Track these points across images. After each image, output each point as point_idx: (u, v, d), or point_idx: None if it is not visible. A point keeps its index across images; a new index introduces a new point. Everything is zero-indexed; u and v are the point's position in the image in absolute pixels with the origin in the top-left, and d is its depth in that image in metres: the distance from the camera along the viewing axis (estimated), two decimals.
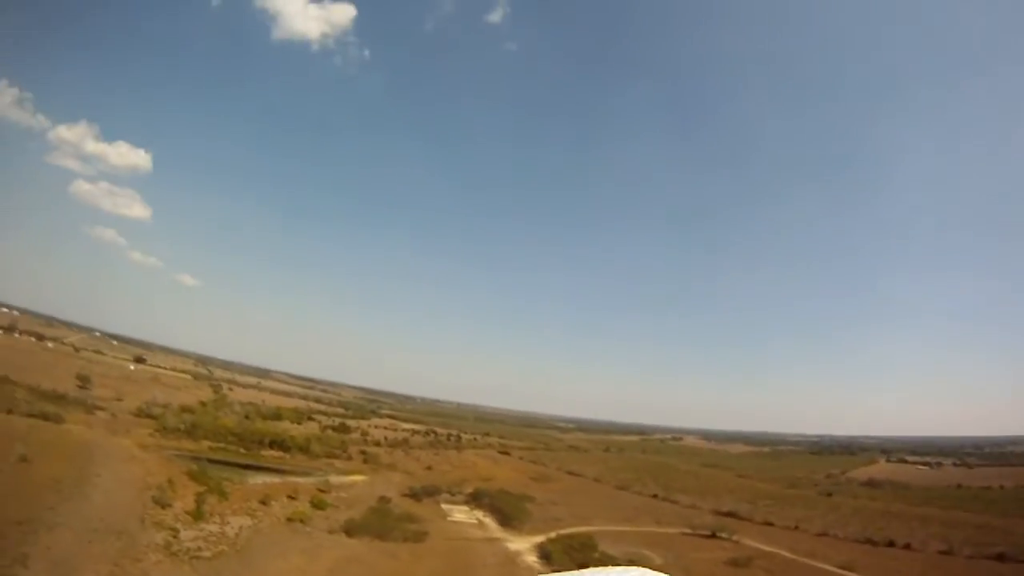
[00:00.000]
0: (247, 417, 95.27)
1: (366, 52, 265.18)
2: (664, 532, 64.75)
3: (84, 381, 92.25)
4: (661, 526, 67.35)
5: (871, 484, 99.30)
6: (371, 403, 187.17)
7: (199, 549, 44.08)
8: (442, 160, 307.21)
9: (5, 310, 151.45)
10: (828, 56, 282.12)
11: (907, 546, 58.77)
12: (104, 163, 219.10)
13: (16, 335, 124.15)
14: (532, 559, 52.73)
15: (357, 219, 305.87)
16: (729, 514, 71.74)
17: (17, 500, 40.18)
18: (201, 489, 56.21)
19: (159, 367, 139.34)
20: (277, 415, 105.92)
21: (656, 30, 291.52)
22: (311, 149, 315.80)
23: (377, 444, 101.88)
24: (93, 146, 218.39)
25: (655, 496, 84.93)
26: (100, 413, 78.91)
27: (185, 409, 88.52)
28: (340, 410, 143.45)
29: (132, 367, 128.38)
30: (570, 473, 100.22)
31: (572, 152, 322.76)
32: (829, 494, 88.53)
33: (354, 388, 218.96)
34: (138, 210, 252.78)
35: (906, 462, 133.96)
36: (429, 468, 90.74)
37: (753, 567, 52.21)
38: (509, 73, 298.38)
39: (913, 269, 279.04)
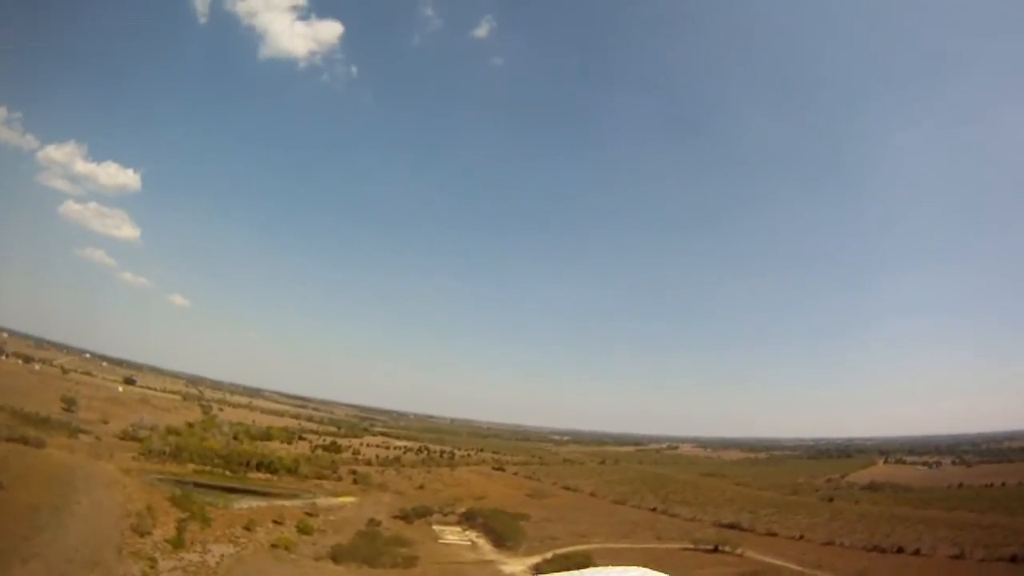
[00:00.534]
0: (235, 438, 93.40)
1: (353, 69, 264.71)
2: (665, 548, 62.78)
3: (69, 404, 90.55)
4: (662, 541, 65.43)
5: (872, 487, 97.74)
6: (364, 420, 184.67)
7: None
8: (431, 175, 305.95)
9: None
10: (813, 57, 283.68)
11: (917, 552, 56.92)
12: (93, 183, 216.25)
13: (2, 357, 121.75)
14: None
15: (347, 236, 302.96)
16: (731, 526, 69.89)
17: None
18: (183, 515, 54.46)
19: (149, 388, 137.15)
20: (267, 435, 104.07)
21: (641, 41, 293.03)
22: (300, 166, 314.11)
23: (368, 463, 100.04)
24: (82, 166, 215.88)
25: (654, 510, 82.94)
26: (84, 436, 77.22)
27: (171, 431, 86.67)
28: (332, 428, 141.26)
29: (121, 388, 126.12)
30: (566, 488, 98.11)
31: (561, 163, 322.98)
32: (831, 499, 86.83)
33: (347, 406, 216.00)
34: (127, 230, 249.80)
35: (905, 463, 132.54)
36: (421, 487, 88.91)
37: None
38: (496, 88, 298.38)
39: (902, 268, 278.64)
